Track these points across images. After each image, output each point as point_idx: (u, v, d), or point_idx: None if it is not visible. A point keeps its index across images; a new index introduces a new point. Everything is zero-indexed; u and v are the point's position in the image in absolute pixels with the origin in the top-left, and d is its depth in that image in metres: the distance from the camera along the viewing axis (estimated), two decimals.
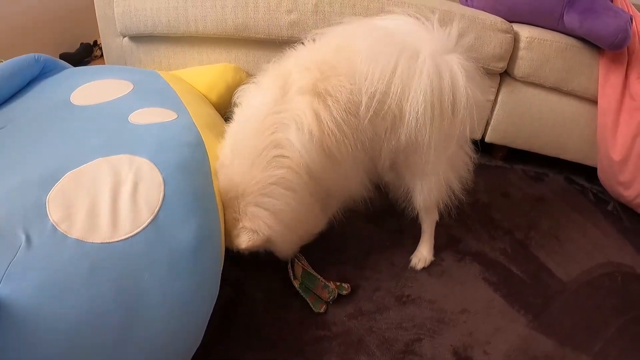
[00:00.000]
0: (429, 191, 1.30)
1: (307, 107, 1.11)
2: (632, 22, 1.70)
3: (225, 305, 1.27)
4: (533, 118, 1.93)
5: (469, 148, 1.33)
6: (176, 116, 1.22)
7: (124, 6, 1.73)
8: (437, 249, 1.51)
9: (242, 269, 1.37)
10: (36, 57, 1.44)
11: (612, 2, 1.78)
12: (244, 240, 1.12)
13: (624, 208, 1.90)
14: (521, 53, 1.80)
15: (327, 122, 1.11)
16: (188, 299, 0.91)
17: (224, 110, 1.63)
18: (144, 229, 0.89)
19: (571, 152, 2.00)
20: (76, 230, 0.84)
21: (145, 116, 1.18)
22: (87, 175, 0.94)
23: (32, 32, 2.25)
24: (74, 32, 2.50)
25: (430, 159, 1.21)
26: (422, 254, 1.48)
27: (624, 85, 1.78)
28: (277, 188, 1.12)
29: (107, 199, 0.90)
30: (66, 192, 0.90)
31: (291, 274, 1.34)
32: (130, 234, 0.87)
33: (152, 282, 0.86)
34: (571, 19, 1.73)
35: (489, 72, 1.81)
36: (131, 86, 1.34)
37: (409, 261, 1.48)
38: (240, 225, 1.13)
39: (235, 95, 1.25)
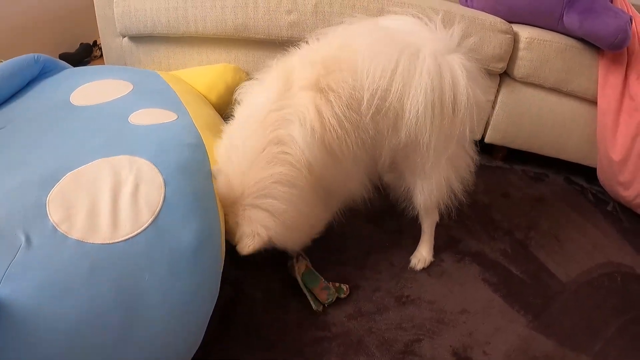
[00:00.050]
0: (429, 191, 1.30)
1: (310, 102, 1.11)
2: (631, 22, 1.70)
3: (225, 305, 1.27)
4: (533, 118, 1.93)
5: (471, 149, 1.33)
6: (176, 117, 1.22)
7: (123, 6, 1.73)
8: (437, 249, 1.51)
9: (241, 269, 1.37)
10: (36, 57, 1.44)
11: (611, 2, 1.78)
12: (246, 246, 1.13)
13: (624, 208, 1.90)
14: (521, 53, 1.80)
15: (328, 118, 1.11)
16: (188, 299, 0.91)
17: (224, 110, 1.63)
18: (144, 229, 0.89)
19: (571, 152, 2.00)
20: (76, 231, 0.84)
21: (146, 117, 1.18)
22: (87, 175, 0.94)
23: (31, 32, 2.25)
24: (73, 32, 2.50)
25: (430, 158, 1.21)
26: (422, 255, 1.48)
27: (624, 85, 1.78)
28: (278, 186, 1.12)
29: (108, 200, 0.90)
30: (66, 193, 0.90)
31: (295, 268, 1.34)
32: (131, 235, 0.87)
33: (152, 282, 0.86)
34: (571, 20, 1.73)
35: (488, 73, 1.81)
36: (131, 86, 1.34)
37: (409, 262, 1.48)
38: (240, 230, 1.14)
39: (237, 92, 1.25)
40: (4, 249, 0.80)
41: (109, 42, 1.93)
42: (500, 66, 1.82)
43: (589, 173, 2.01)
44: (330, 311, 1.30)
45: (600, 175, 1.94)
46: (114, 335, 0.82)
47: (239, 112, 1.22)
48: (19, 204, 0.88)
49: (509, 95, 1.91)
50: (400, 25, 1.21)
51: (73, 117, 1.20)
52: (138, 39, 1.85)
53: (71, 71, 1.50)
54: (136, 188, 0.93)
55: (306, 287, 1.31)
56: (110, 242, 0.85)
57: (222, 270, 1.05)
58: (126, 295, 0.84)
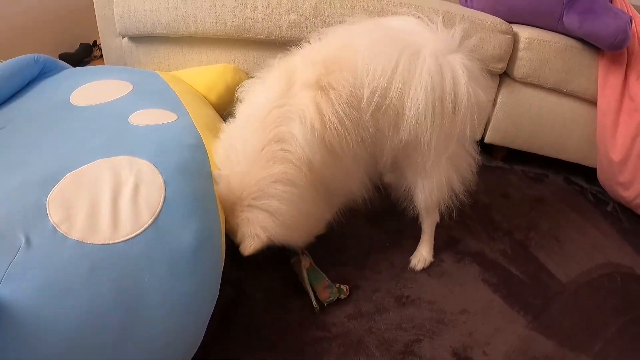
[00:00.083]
0: (430, 191, 1.30)
1: (310, 100, 1.11)
2: (631, 23, 1.70)
3: (225, 305, 1.27)
4: (532, 119, 1.93)
5: (472, 149, 1.33)
6: (176, 117, 1.22)
7: (123, 7, 1.73)
8: (437, 249, 1.51)
9: (242, 269, 1.37)
10: (36, 58, 1.44)
11: (611, 3, 1.79)
12: (246, 247, 1.13)
13: (623, 209, 1.90)
14: (521, 54, 1.80)
15: (329, 116, 1.11)
16: (188, 299, 0.91)
17: (223, 110, 1.63)
18: (144, 230, 0.89)
19: (571, 152, 2.00)
20: (76, 231, 0.84)
21: (146, 117, 1.18)
22: (87, 176, 0.94)
23: (31, 32, 2.25)
24: (73, 32, 2.50)
25: (431, 157, 1.21)
26: (422, 255, 1.48)
27: (624, 86, 1.78)
28: (278, 185, 1.12)
29: (108, 200, 0.90)
30: (66, 193, 0.90)
31: (302, 263, 1.34)
32: (131, 235, 0.87)
33: (152, 283, 0.86)
34: (571, 20, 1.74)
35: (488, 73, 1.81)
36: (131, 87, 1.34)
37: (409, 262, 1.48)
38: (240, 232, 1.14)
39: (239, 91, 1.26)
40: (4, 250, 0.80)
41: (108, 43, 1.93)
42: (500, 66, 1.82)
43: (588, 173, 2.01)
44: (331, 311, 1.30)
45: (600, 175, 1.94)
46: (114, 335, 0.82)
47: (240, 111, 1.23)
48: (19, 204, 0.88)
49: (508, 95, 1.91)
50: (401, 25, 1.22)
51: (73, 118, 1.20)
52: (138, 39, 1.85)
53: (71, 71, 1.50)
54: (136, 189, 0.93)
55: (310, 284, 1.31)
56: (111, 242, 0.85)
57: (222, 271, 1.05)
58: (126, 295, 0.83)
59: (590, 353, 1.29)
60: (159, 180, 0.96)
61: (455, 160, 1.29)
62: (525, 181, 2.03)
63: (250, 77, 1.26)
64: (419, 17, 1.20)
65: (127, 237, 0.86)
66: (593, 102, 1.86)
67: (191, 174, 1.04)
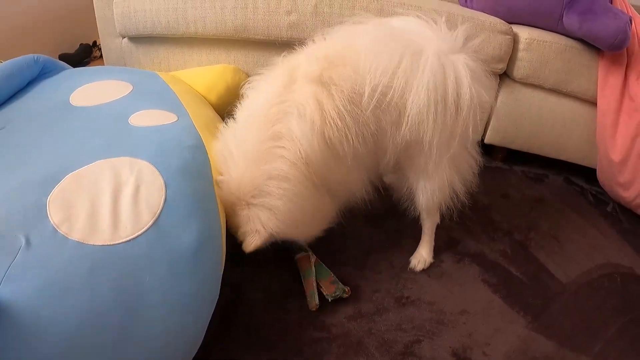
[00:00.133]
0: (432, 192, 1.30)
1: (311, 95, 1.12)
2: (631, 23, 1.70)
3: (225, 305, 1.27)
4: (532, 119, 1.93)
5: (474, 150, 1.33)
6: (176, 118, 1.22)
7: (123, 7, 1.73)
8: (437, 250, 1.51)
9: (242, 269, 1.37)
10: (35, 58, 1.44)
11: (611, 3, 1.79)
12: (248, 244, 1.14)
13: (623, 209, 1.90)
14: (520, 54, 1.80)
15: (329, 111, 1.12)
16: (189, 300, 0.91)
17: (223, 111, 1.63)
18: (145, 231, 0.89)
19: (570, 153, 2.00)
20: (77, 232, 0.84)
21: (146, 118, 1.18)
22: (87, 177, 0.94)
23: (31, 33, 2.25)
24: (73, 32, 2.50)
25: (433, 157, 1.21)
26: (422, 256, 1.48)
27: (623, 86, 1.78)
28: (274, 182, 1.13)
29: (108, 201, 0.90)
30: (67, 194, 0.90)
31: (310, 257, 1.35)
32: (132, 236, 0.87)
33: (153, 283, 0.86)
34: (571, 20, 1.74)
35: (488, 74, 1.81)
36: (130, 87, 1.34)
37: (409, 262, 1.48)
38: (241, 230, 1.14)
39: (244, 87, 1.26)
40: (4, 250, 0.80)
41: (108, 43, 1.93)
42: (500, 67, 1.82)
43: (588, 174, 2.01)
44: (330, 312, 1.30)
45: (600, 176, 1.94)
46: (114, 335, 0.82)
47: (242, 110, 1.23)
48: (19, 204, 0.88)
49: (508, 95, 1.91)
50: (405, 25, 1.22)
51: (73, 118, 1.20)
52: (138, 39, 1.85)
53: (71, 72, 1.49)
54: (137, 189, 0.93)
55: (315, 279, 1.31)
56: (111, 243, 0.85)
57: (222, 272, 1.05)
58: (126, 296, 0.84)
59: (590, 353, 1.29)
60: (160, 181, 0.96)
61: (457, 161, 1.28)
62: (525, 182, 2.03)
63: (249, 78, 1.26)
64: (422, 18, 1.20)
65: (128, 238, 0.87)
66: (593, 103, 1.86)
67: (191, 175, 1.04)
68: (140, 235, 0.88)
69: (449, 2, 1.91)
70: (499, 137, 2.00)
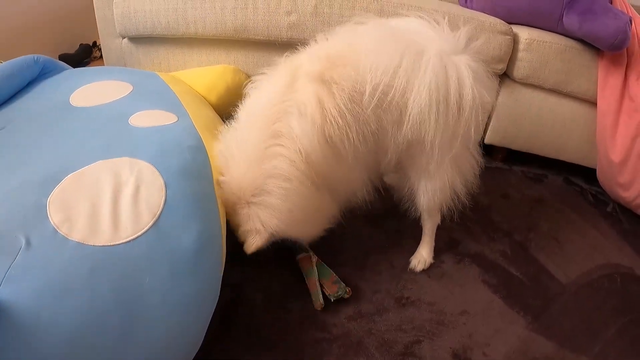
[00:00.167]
0: (433, 192, 1.30)
1: (312, 93, 1.12)
2: (631, 23, 1.70)
3: (225, 305, 1.27)
4: (532, 119, 1.93)
5: (476, 151, 1.33)
6: (176, 119, 1.22)
7: (123, 7, 1.73)
8: (437, 250, 1.51)
9: (242, 269, 1.37)
10: (35, 58, 1.44)
11: (611, 3, 1.79)
12: (249, 246, 1.15)
13: (623, 209, 1.91)
14: (520, 55, 1.80)
15: (330, 109, 1.12)
16: (189, 301, 0.91)
17: (223, 111, 1.63)
18: (145, 232, 0.89)
19: (570, 153, 2.00)
20: (77, 233, 0.84)
21: (146, 119, 1.18)
22: (88, 177, 0.94)
23: (31, 33, 2.25)
24: (73, 33, 2.50)
25: (435, 157, 1.21)
26: (422, 256, 1.48)
27: (623, 86, 1.78)
28: (272, 180, 1.13)
29: (108, 202, 0.90)
30: (67, 194, 0.90)
31: (312, 258, 1.35)
32: (132, 237, 0.87)
33: (153, 284, 0.86)
34: (570, 21, 1.74)
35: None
36: (130, 88, 1.34)
37: (409, 263, 1.48)
38: (241, 229, 1.15)
39: (247, 87, 1.26)
40: (4, 251, 0.80)
41: (108, 43, 1.93)
42: (500, 67, 1.82)
43: (588, 174, 2.01)
44: (330, 312, 1.30)
45: (600, 176, 1.94)
46: (114, 336, 0.82)
47: (245, 108, 1.23)
48: (19, 205, 0.88)
49: (508, 96, 1.91)
50: (407, 25, 1.22)
51: (73, 118, 1.20)
52: (138, 40, 1.85)
53: (71, 72, 1.49)
54: (137, 190, 0.93)
55: (318, 279, 1.32)
56: (111, 244, 0.85)
57: (223, 272, 1.05)
58: (127, 296, 0.84)
59: (590, 354, 1.29)
60: (160, 181, 0.96)
61: (459, 162, 1.28)
62: (525, 182, 2.03)
63: (252, 77, 1.26)
64: (425, 19, 1.21)
65: (128, 239, 0.87)
66: (593, 103, 1.86)
67: (192, 176, 1.04)
68: (140, 235, 0.88)
69: (449, 2, 1.91)
70: (499, 137, 2.00)
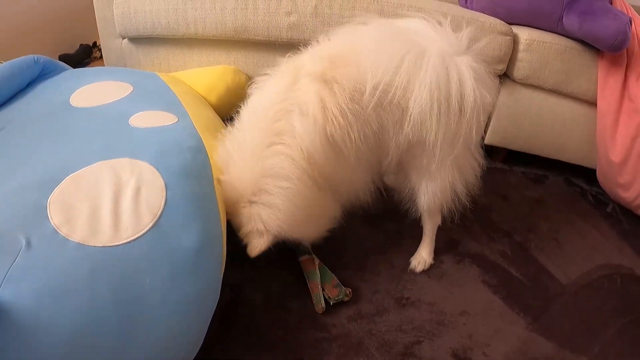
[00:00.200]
0: (433, 193, 1.30)
1: (313, 92, 1.12)
2: (631, 24, 1.70)
3: (225, 306, 1.27)
4: (532, 120, 1.93)
5: (477, 153, 1.33)
6: (177, 119, 1.22)
7: (123, 8, 1.73)
8: (437, 251, 1.51)
9: (242, 269, 1.37)
10: (35, 59, 1.44)
11: (611, 4, 1.79)
12: (253, 249, 1.15)
13: (623, 210, 1.90)
14: (520, 55, 1.80)
15: (331, 108, 1.12)
16: (189, 301, 0.91)
17: (224, 112, 1.63)
18: (145, 233, 0.89)
19: (571, 153, 2.00)
20: (77, 234, 0.84)
21: (146, 119, 1.18)
22: (88, 178, 0.94)
23: (31, 33, 2.25)
24: (73, 33, 2.49)
25: (436, 159, 1.21)
26: (422, 257, 1.48)
27: (623, 87, 1.78)
28: (273, 180, 1.13)
29: (109, 203, 0.90)
30: (67, 195, 0.90)
31: (315, 261, 1.35)
32: (132, 238, 0.87)
33: (153, 285, 0.86)
34: (570, 21, 1.74)
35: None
36: (131, 88, 1.34)
37: (409, 263, 1.48)
38: (243, 229, 1.15)
39: (250, 87, 1.26)
40: (4, 252, 0.80)
41: (108, 44, 1.93)
42: (500, 68, 1.82)
43: (588, 174, 2.01)
44: (331, 312, 1.30)
45: (600, 176, 1.94)
46: (114, 336, 0.82)
47: (247, 108, 1.23)
48: (20, 206, 0.88)
49: (508, 96, 1.91)
50: (409, 26, 1.22)
51: (73, 119, 1.20)
52: (138, 40, 1.85)
53: (71, 72, 1.50)
54: (137, 191, 0.93)
55: (320, 282, 1.32)
56: (111, 244, 0.85)
57: (223, 273, 1.05)
58: (127, 297, 0.84)
59: (590, 354, 1.29)
60: (160, 182, 0.97)
61: (460, 163, 1.28)
62: (525, 182, 2.03)
63: (254, 78, 1.26)
64: (427, 20, 1.21)
65: (129, 240, 0.87)
66: (593, 103, 1.86)
67: (192, 176, 1.04)
68: (141, 236, 0.88)
69: (449, 3, 1.91)
70: (499, 138, 1.99)
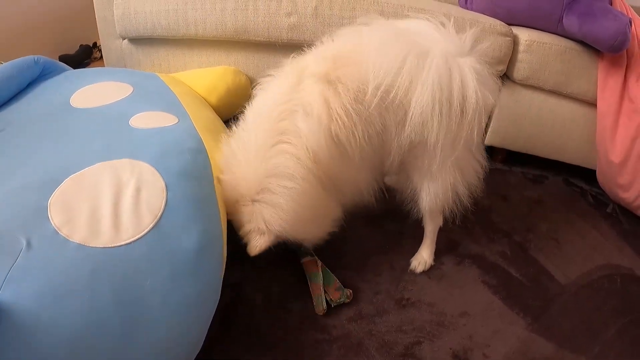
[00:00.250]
0: (435, 194, 1.30)
1: (318, 93, 1.13)
2: (631, 25, 1.70)
3: (225, 306, 1.27)
4: (532, 121, 1.93)
5: (479, 154, 1.33)
6: (177, 120, 1.22)
7: (123, 8, 1.73)
8: (437, 252, 1.51)
9: (242, 270, 1.37)
10: (35, 59, 1.44)
11: (611, 5, 1.79)
12: (253, 248, 1.15)
13: (623, 210, 1.91)
14: (520, 56, 1.80)
15: (336, 109, 1.12)
16: (190, 302, 0.91)
17: (224, 112, 1.64)
18: (146, 233, 0.89)
19: (570, 154, 2.00)
20: (78, 235, 0.84)
21: (146, 120, 1.18)
22: (88, 179, 0.94)
23: (31, 34, 2.25)
24: (73, 33, 2.49)
25: (437, 159, 1.21)
26: (423, 258, 1.48)
27: (623, 88, 1.78)
28: (277, 179, 1.13)
29: (109, 204, 0.90)
30: (67, 196, 0.90)
31: (318, 263, 1.35)
32: (133, 239, 0.87)
33: (154, 286, 0.86)
34: (570, 22, 1.74)
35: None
36: (131, 89, 1.34)
37: (409, 264, 1.48)
38: (244, 228, 1.14)
39: (255, 88, 1.27)
40: (5, 253, 0.80)
41: (108, 44, 1.93)
42: (500, 69, 1.82)
43: (588, 175, 2.01)
44: (331, 313, 1.30)
45: (599, 177, 1.94)
46: (115, 337, 0.82)
47: (251, 108, 1.23)
48: (20, 206, 0.88)
49: (508, 97, 1.91)
50: (413, 27, 1.22)
51: (73, 120, 1.21)
52: (138, 41, 1.85)
53: (71, 73, 1.50)
54: (138, 192, 0.93)
55: (325, 279, 1.32)
56: (112, 245, 0.85)
57: (223, 274, 1.05)
58: (127, 298, 0.84)
59: (590, 355, 1.29)
60: (161, 183, 0.97)
61: (461, 164, 1.28)
62: (525, 183, 2.03)
63: (259, 79, 1.27)
64: (430, 21, 1.21)
65: (129, 240, 0.87)
66: (593, 104, 1.86)
67: (192, 177, 1.04)
68: (141, 237, 0.88)
69: (448, 4, 1.91)
70: (499, 139, 2.00)
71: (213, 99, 1.65)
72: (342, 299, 1.31)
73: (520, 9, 1.83)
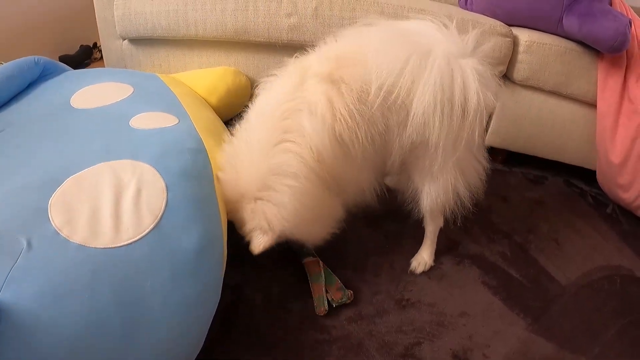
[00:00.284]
0: (436, 194, 1.30)
1: (321, 92, 1.13)
2: (631, 25, 1.70)
3: (226, 307, 1.27)
4: (532, 121, 1.94)
5: (481, 156, 1.33)
6: (177, 121, 1.22)
7: (123, 9, 1.73)
8: (437, 252, 1.51)
9: (243, 270, 1.37)
10: (36, 60, 1.44)
11: (611, 5, 1.79)
12: (256, 246, 1.14)
13: (623, 211, 1.91)
14: (520, 57, 1.80)
15: (339, 109, 1.13)
16: (190, 303, 0.91)
17: (224, 113, 1.64)
18: (146, 234, 0.89)
19: (570, 155, 2.00)
20: (78, 235, 0.84)
21: (147, 121, 1.18)
22: (89, 179, 0.94)
23: (31, 34, 2.25)
24: (73, 34, 2.49)
25: (438, 159, 1.21)
26: (423, 258, 1.48)
27: (623, 88, 1.78)
28: (280, 178, 1.13)
29: (110, 204, 0.90)
30: (68, 197, 0.90)
31: (320, 263, 1.35)
32: (133, 239, 0.87)
33: (154, 286, 0.86)
34: (570, 23, 1.74)
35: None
36: (131, 89, 1.34)
37: (409, 264, 1.48)
38: (246, 226, 1.14)
39: (257, 88, 1.27)
40: (5, 253, 0.80)
41: (109, 45, 1.93)
42: (500, 69, 1.83)
43: (588, 175, 2.01)
44: (331, 314, 1.30)
45: (599, 177, 1.94)
46: (115, 338, 0.82)
47: (254, 108, 1.24)
48: (20, 207, 0.88)
49: (508, 98, 1.91)
50: (415, 27, 1.22)
51: (73, 120, 1.21)
52: (138, 41, 1.85)
53: (71, 74, 1.50)
54: (138, 192, 0.93)
55: (327, 280, 1.32)
56: (112, 246, 0.85)
57: (224, 274, 1.05)
58: (128, 298, 0.84)
59: (590, 355, 1.29)
60: (161, 183, 0.97)
61: (462, 165, 1.28)
62: (525, 184, 2.03)
63: (261, 79, 1.27)
64: (433, 21, 1.21)
65: (130, 241, 0.87)
66: (593, 105, 1.86)
67: (193, 178, 1.04)
68: (141, 238, 0.88)
69: (448, 4, 1.91)
70: (499, 139, 2.00)
71: (213, 99, 1.65)
72: (343, 300, 1.31)
73: (520, 10, 1.83)
